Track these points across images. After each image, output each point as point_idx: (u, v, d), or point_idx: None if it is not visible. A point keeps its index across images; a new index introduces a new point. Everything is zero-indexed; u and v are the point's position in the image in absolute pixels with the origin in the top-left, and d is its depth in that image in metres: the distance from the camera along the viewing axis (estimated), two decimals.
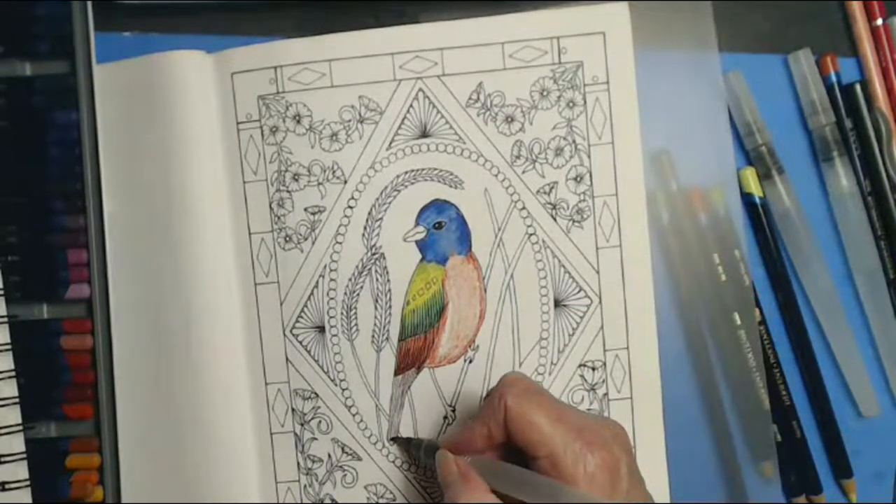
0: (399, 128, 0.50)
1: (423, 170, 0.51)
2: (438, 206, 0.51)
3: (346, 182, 0.51)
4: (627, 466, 0.42)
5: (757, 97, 0.53)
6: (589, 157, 0.51)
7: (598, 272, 0.51)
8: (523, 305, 0.51)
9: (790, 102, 0.54)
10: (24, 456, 0.49)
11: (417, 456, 0.50)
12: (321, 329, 0.51)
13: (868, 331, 0.54)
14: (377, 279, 0.51)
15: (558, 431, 0.42)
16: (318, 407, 0.51)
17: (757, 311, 0.52)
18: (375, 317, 0.51)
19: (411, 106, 0.50)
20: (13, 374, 0.49)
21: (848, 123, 0.53)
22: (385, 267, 0.51)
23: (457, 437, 0.46)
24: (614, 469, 0.41)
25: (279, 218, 0.51)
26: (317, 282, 0.51)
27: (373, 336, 0.51)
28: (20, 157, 0.51)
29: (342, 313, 0.51)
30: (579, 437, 0.42)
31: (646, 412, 0.51)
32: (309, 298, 0.51)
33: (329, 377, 0.51)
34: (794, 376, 0.53)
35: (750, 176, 0.53)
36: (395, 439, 0.51)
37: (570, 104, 0.50)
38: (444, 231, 0.51)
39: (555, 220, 0.51)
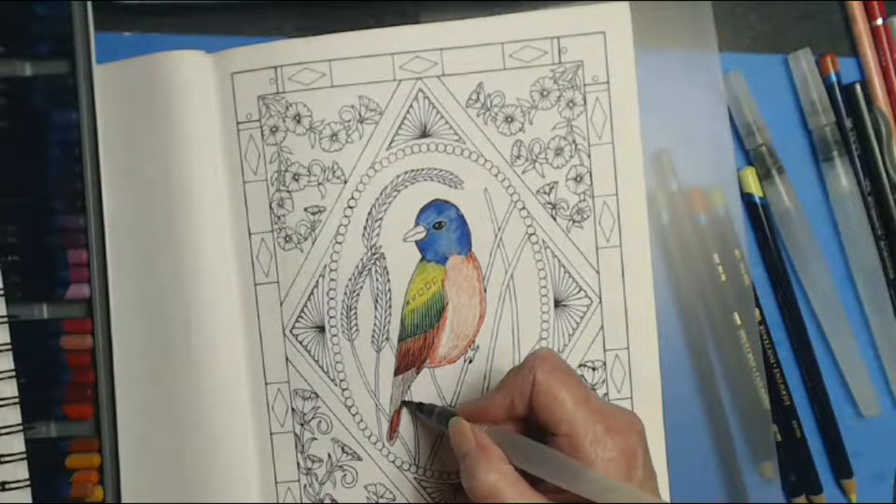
0: (399, 128, 0.50)
1: (422, 170, 0.51)
2: (438, 206, 0.51)
3: (346, 182, 0.51)
4: (643, 457, 0.42)
5: (757, 97, 0.53)
6: (589, 157, 0.51)
7: (598, 272, 0.51)
8: (523, 305, 0.51)
9: (790, 102, 0.54)
10: (24, 456, 0.49)
11: (427, 423, 0.49)
12: (321, 329, 0.51)
13: (868, 331, 0.54)
14: (377, 279, 0.51)
15: (582, 412, 0.42)
16: (318, 407, 0.51)
17: (757, 311, 0.52)
18: (375, 317, 0.51)
19: (411, 106, 0.50)
20: (13, 374, 0.49)
21: (848, 123, 0.53)
22: (385, 267, 0.51)
23: (475, 405, 0.45)
24: (632, 457, 0.41)
25: (279, 218, 0.51)
26: (317, 282, 0.51)
27: (373, 336, 0.51)
28: (20, 157, 0.51)
29: (342, 313, 0.51)
30: (601, 421, 0.41)
31: (646, 412, 0.51)
32: (309, 298, 0.51)
33: (329, 377, 0.51)
34: (794, 376, 0.53)
35: (750, 176, 0.53)
36: (406, 403, 0.51)
37: (570, 104, 0.50)
38: (444, 231, 0.51)
39: (555, 220, 0.51)
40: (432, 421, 0.48)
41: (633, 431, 0.42)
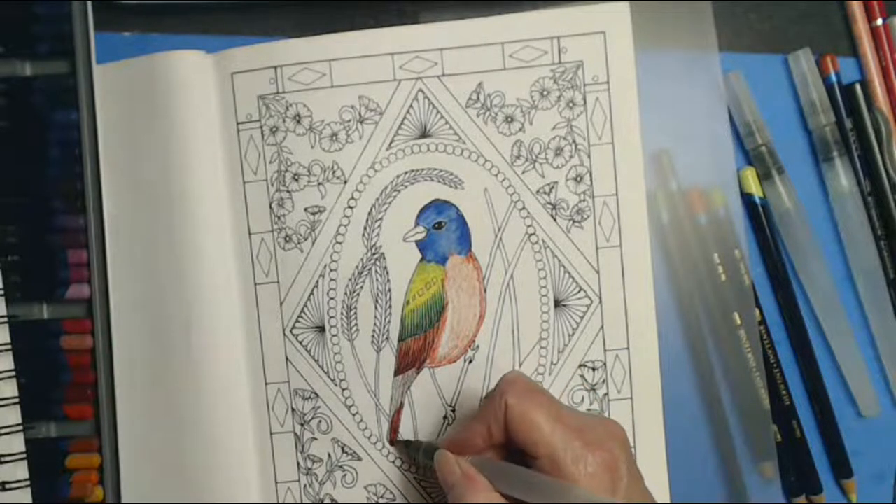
0: (399, 128, 0.50)
1: (423, 170, 0.51)
2: (438, 206, 0.51)
3: (346, 182, 0.51)
4: (627, 465, 0.42)
5: (757, 97, 0.53)
6: (589, 157, 0.51)
7: (598, 272, 0.51)
8: (523, 305, 0.51)
9: (790, 102, 0.54)
10: (24, 456, 0.49)
11: (416, 458, 0.50)
12: (321, 329, 0.51)
13: (868, 331, 0.54)
14: (377, 279, 0.51)
15: (558, 431, 0.42)
16: (318, 407, 0.51)
17: (757, 311, 0.52)
18: (375, 317, 0.51)
19: (411, 106, 0.50)
20: (13, 374, 0.49)
21: (848, 123, 0.53)
22: (385, 267, 0.51)
23: (456, 437, 0.46)
24: (614, 468, 0.41)
25: (279, 218, 0.51)
26: (317, 282, 0.51)
27: (373, 336, 0.51)
28: (20, 157, 0.51)
29: (342, 313, 0.51)
30: (579, 437, 0.42)
31: (646, 412, 0.51)
32: (309, 298, 0.51)
33: (329, 377, 0.51)
34: (794, 376, 0.53)
35: (750, 176, 0.53)
36: (394, 442, 0.51)
37: (570, 104, 0.50)
38: (443, 231, 0.51)
39: (555, 220, 0.51)
40: (419, 457, 0.49)
41: (613, 441, 0.42)
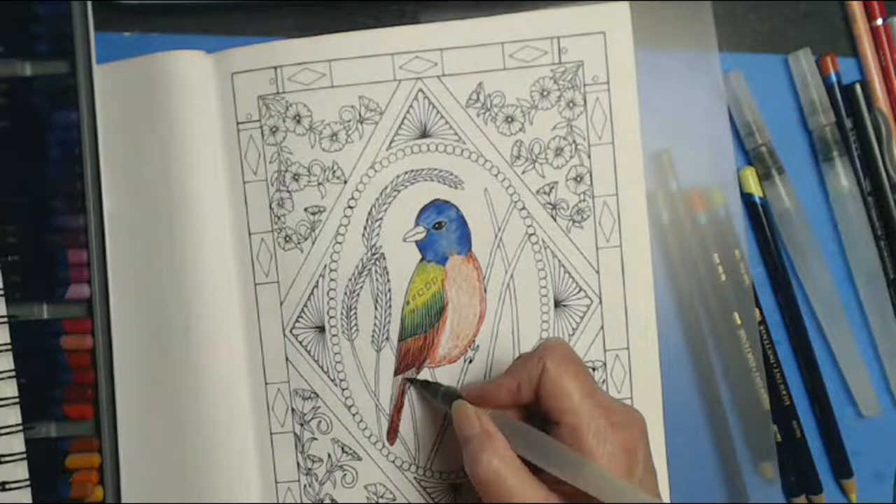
0: (399, 128, 0.50)
1: (423, 170, 0.51)
2: (438, 206, 0.51)
3: (346, 182, 0.51)
4: (644, 454, 0.42)
5: (757, 97, 0.53)
6: (589, 157, 0.51)
7: (598, 272, 0.51)
8: (523, 305, 0.51)
9: (790, 102, 0.54)
10: (24, 456, 0.49)
11: (433, 401, 0.49)
12: (321, 329, 0.51)
13: (868, 331, 0.54)
14: (377, 279, 0.51)
15: (587, 405, 0.42)
16: (318, 407, 0.51)
17: (757, 311, 0.52)
18: (375, 317, 0.51)
19: (411, 106, 0.50)
20: (13, 374, 0.49)
21: (848, 123, 0.53)
22: (385, 267, 0.51)
23: (481, 388, 0.45)
24: (632, 453, 0.41)
25: (279, 218, 0.51)
26: (317, 282, 0.51)
27: (373, 336, 0.51)
28: (20, 157, 0.51)
29: (342, 313, 0.51)
30: (605, 416, 0.42)
31: (646, 412, 0.50)
32: (309, 298, 0.51)
33: (329, 377, 0.51)
34: (794, 376, 0.53)
35: (750, 176, 0.53)
36: (412, 381, 0.51)
37: (571, 104, 0.50)
38: (443, 231, 0.51)
39: (555, 220, 0.51)
40: (437, 400, 0.48)
41: (636, 427, 0.42)
